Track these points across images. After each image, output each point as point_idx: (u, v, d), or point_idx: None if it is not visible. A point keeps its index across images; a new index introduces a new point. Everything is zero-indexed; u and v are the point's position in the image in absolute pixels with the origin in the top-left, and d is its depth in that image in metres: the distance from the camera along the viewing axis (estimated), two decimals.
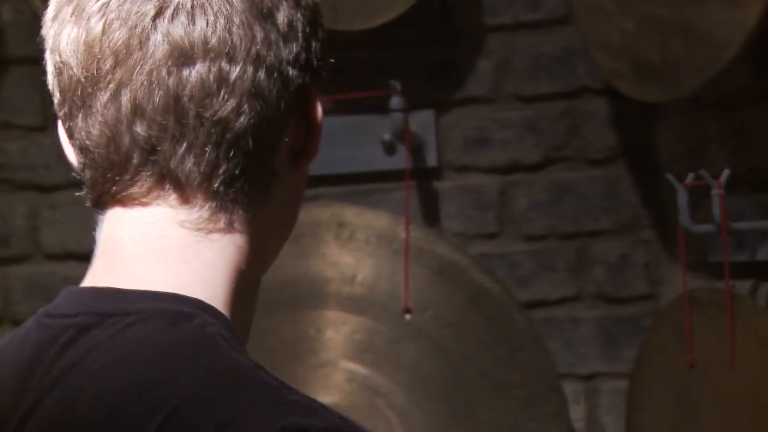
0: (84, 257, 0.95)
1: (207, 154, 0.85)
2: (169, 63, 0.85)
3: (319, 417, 0.79)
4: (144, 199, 0.87)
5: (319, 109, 0.91)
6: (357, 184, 2.28)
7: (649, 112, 2.24)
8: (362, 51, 2.28)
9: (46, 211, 2.40)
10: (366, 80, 2.23)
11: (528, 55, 2.29)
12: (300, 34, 0.89)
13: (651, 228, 2.29)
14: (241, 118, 0.85)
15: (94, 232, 0.92)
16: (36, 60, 0.96)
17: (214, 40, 0.85)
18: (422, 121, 2.26)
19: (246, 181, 0.87)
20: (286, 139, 0.89)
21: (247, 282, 0.88)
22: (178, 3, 0.85)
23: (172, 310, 0.83)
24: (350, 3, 2.13)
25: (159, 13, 0.85)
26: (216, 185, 0.86)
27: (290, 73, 0.88)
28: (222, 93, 0.85)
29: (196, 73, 0.85)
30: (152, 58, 0.85)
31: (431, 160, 2.29)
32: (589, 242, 2.31)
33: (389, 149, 2.24)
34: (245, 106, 0.85)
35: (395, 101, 2.16)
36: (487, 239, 2.32)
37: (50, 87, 0.90)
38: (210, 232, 0.87)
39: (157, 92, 0.84)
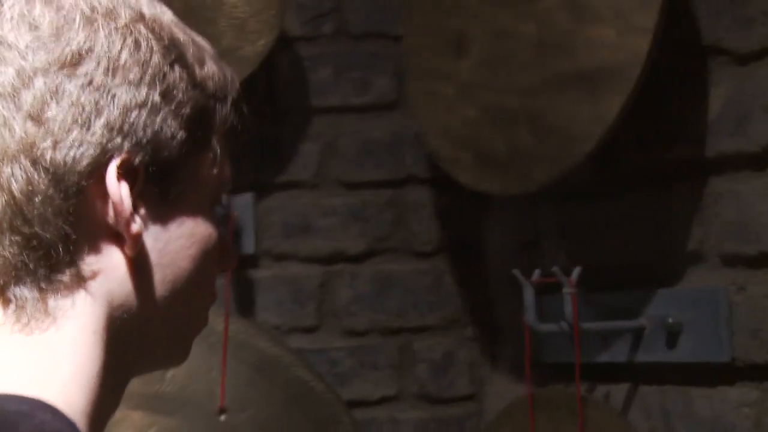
0: None
1: None
2: None
3: None
4: None
5: (120, 188, 0.84)
6: None
7: (479, 204, 2.16)
8: None
9: None
10: None
11: (355, 140, 2.19)
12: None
13: (475, 325, 2.20)
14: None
15: None
16: None
17: None
18: (241, 205, 2.12)
19: (37, 275, 0.84)
20: (87, 218, 0.84)
21: (101, 373, 0.84)
22: None
23: (9, 412, 0.79)
24: None
25: None
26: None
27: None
28: None
29: None
30: None
31: (248, 246, 2.14)
32: (413, 338, 2.19)
33: None
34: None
35: None
36: (306, 333, 2.18)
37: None
38: (31, 331, 0.83)
39: None
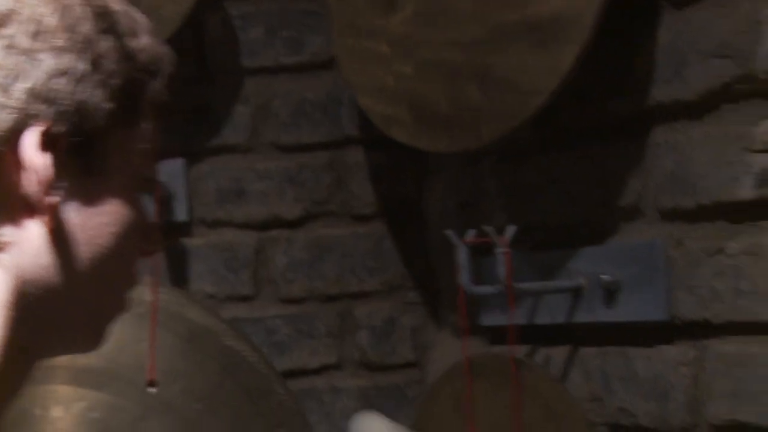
0: None
1: None
2: None
3: None
4: None
5: (39, 156, 0.80)
6: None
7: (419, 165, 2.10)
8: None
9: None
10: None
11: (289, 101, 2.11)
12: None
13: (418, 289, 2.14)
14: None
15: None
16: None
17: None
18: (171, 172, 2.04)
19: None
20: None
21: (3, 350, 0.80)
22: None
23: None
24: None
25: None
26: None
27: None
28: None
29: None
30: None
31: (181, 214, 2.07)
32: (353, 305, 2.13)
33: None
34: None
35: None
36: (241, 302, 2.11)
37: None
38: None
39: None
